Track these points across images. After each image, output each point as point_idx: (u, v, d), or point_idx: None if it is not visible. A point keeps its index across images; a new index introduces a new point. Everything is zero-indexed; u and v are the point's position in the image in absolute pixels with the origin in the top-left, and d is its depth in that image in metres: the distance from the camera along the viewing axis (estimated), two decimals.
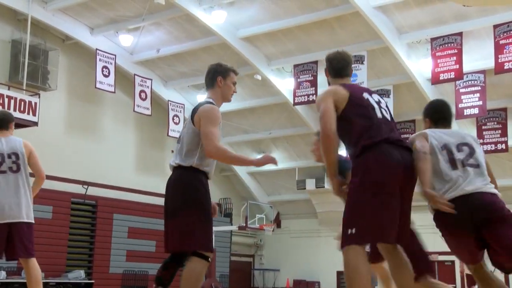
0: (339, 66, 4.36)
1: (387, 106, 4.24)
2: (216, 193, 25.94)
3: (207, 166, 4.43)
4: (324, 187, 22.95)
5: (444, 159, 4.27)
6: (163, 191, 4.56)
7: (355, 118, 4.04)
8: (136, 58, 21.14)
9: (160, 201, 5.65)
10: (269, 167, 23.46)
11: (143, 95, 20.51)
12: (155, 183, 20.38)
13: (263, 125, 23.42)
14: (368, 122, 4.02)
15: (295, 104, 20.89)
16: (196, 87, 22.26)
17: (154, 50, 20.72)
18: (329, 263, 24.11)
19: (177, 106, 22.02)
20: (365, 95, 4.18)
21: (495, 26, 16.50)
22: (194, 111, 4.47)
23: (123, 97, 21.24)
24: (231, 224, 24.34)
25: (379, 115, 4.10)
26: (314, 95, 20.27)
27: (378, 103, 4.18)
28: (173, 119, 21.74)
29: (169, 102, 21.82)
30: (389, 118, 4.18)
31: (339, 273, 23.96)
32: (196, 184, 4.32)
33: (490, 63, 17.18)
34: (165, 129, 21.61)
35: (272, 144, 24.28)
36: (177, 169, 4.42)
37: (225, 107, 23.52)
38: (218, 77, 4.63)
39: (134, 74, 20.55)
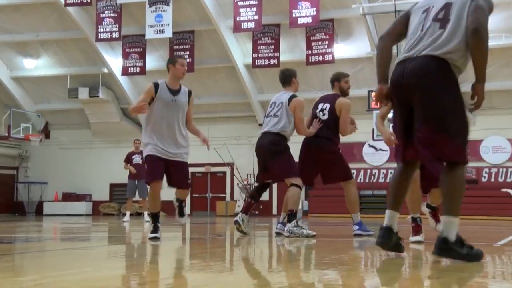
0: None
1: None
2: None
3: None
4: (98, 96, 22.52)
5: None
6: None
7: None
8: None
9: None
10: (37, 72, 22.07)
11: None
12: None
13: (29, 26, 21.83)
14: None
15: (66, 5, 19.79)
16: None
17: None
18: (101, 175, 24.12)
19: None
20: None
21: None
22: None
23: None
24: None
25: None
26: None
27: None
28: None
29: None
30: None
31: (112, 185, 24.16)
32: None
33: None
34: None
35: (40, 47, 22.86)
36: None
37: None
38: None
39: None
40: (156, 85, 6.40)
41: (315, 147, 7.19)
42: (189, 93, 6.63)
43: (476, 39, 3.80)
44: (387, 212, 4.10)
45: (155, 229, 6.21)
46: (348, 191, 7.17)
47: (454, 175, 3.80)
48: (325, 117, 7.22)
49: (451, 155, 3.82)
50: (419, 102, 3.85)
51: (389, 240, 4.04)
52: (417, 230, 5.74)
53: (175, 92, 6.47)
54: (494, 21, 17.98)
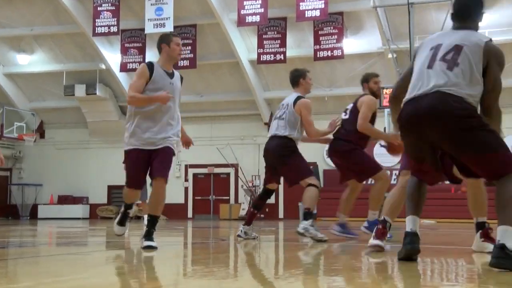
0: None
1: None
2: None
3: None
4: (95, 94, 22.55)
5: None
6: None
7: None
8: None
9: None
10: (32, 68, 22.09)
11: None
12: None
13: (23, 19, 21.89)
14: None
15: None
16: None
17: None
18: (99, 176, 24.14)
19: None
20: None
21: None
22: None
23: None
24: None
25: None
26: None
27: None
28: None
29: None
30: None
31: (110, 188, 24.19)
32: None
33: None
34: None
35: (34, 42, 22.92)
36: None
37: None
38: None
39: None
40: (150, 66, 5.74)
41: (332, 150, 7.38)
42: (181, 78, 6.09)
43: (488, 118, 4.05)
44: (411, 217, 4.26)
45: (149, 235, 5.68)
46: (373, 186, 7.29)
47: (506, 186, 3.83)
48: (346, 116, 7.37)
49: (497, 170, 3.87)
50: (447, 138, 3.97)
51: (417, 245, 4.19)
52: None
53: (170, 75, 5.82)
54: (509, 15, 17.93)
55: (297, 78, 7.32)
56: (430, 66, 4.11)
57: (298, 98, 7.16)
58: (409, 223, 4.23)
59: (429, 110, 3.96)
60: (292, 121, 7.05)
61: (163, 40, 5.87)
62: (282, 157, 6.99)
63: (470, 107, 3.93)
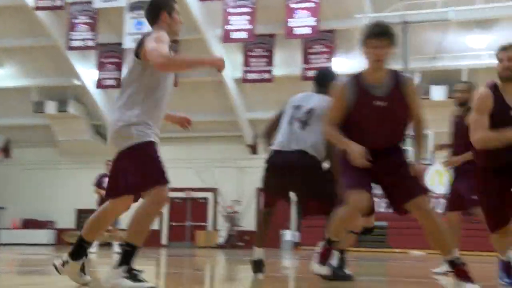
0: None
1: None
2: None
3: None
4: (66, 111, 22.43)
5: None
6: None
7: None
8: None
9: None
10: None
11: None
12: None
13: None
14: None
15: (37, 9, 19.84)
16: None
17: None
18: (67, 200, 23.89)
19: None
20: None
21: None
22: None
23: None
24: None
25: None
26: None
27: None
28: None
29: None
30: None
31: (79, 211, 23.94)
32: None
33: None
34: None
35: (3, 55, 22.81)
36: None
37: None
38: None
39: None
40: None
41: None
42: None
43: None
44: (261, 250, 5.71)
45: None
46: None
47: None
48: None
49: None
50: (298, 186, 5.52)
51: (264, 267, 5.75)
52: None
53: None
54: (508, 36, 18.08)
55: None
56: (291, 123, 5.54)
57: None
58: (260, 253, 5.70)
59: (290, 164, 5.43)
60: None
61: (165, 7, 4.84)
62: None
63: (315, 158, 5.46)
